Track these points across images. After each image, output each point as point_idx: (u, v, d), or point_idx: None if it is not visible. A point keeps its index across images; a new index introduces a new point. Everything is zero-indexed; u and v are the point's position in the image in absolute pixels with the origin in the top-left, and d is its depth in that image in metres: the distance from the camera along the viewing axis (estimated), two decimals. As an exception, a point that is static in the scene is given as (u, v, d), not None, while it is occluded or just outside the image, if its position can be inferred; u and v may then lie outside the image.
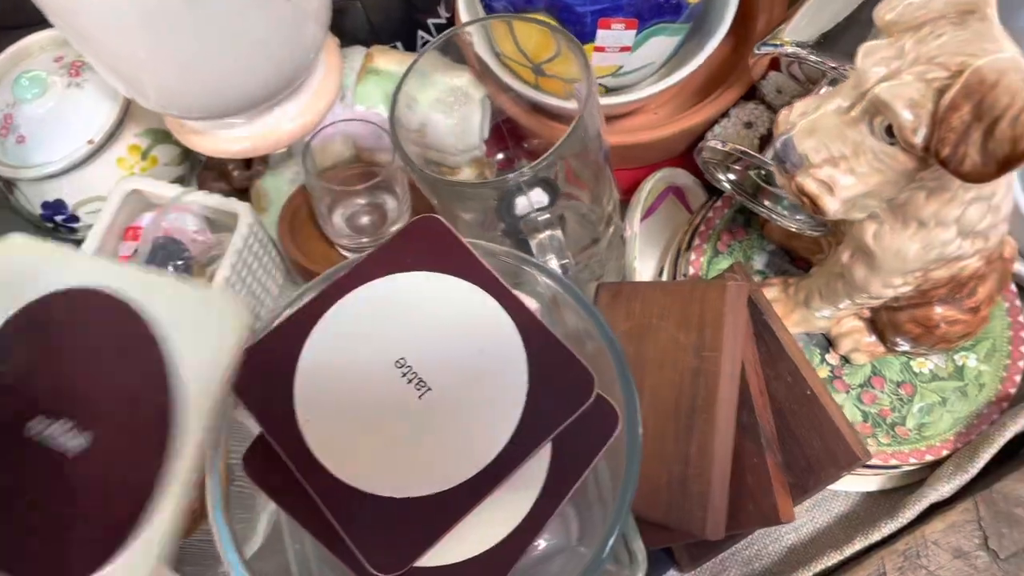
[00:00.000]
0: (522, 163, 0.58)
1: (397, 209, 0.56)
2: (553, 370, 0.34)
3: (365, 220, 0.56)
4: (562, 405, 0.34)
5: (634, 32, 0.51)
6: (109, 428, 0.32)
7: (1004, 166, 0.33)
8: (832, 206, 0.38)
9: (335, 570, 0.41)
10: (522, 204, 0.48)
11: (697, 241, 0.56)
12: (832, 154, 0.38)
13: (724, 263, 0.56)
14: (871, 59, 0.36)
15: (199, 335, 0.34)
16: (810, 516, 0.52)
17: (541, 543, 0.48)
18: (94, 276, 0.34)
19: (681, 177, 0.58)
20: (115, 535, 0.31)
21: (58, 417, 0.32)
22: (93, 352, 0.34)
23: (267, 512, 0.48)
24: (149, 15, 0.38)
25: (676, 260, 0.57)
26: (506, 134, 0.56)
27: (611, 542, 0.37)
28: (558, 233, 0.44)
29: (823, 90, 0.49)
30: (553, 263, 0.44)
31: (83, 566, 0.31)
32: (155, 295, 0.34)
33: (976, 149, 0.33)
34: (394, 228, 0.56)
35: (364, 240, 0.55)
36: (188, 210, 0.51)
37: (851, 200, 0.38)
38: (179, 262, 0.48)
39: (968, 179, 0.34)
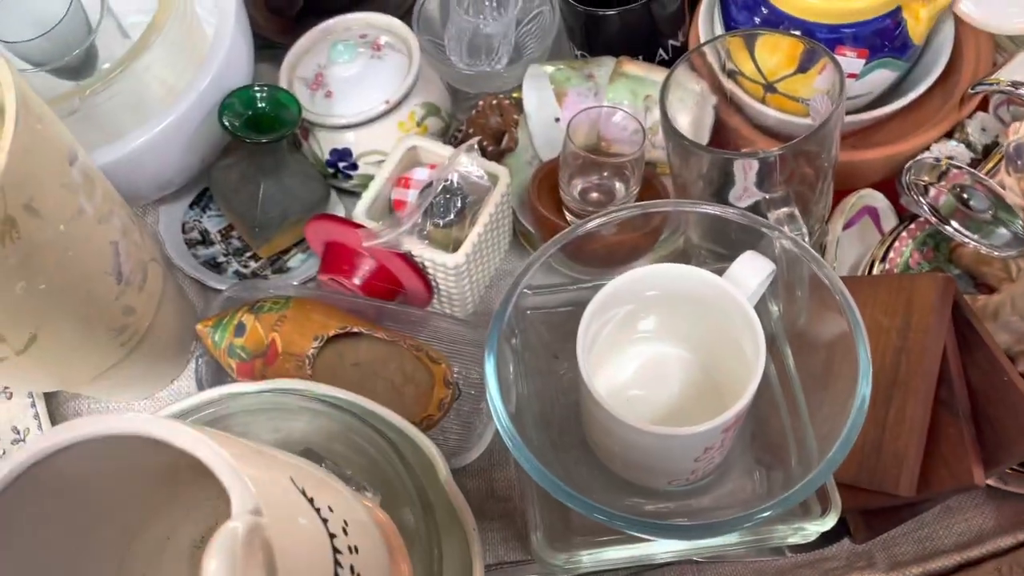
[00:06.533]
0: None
1: (624, 196, 0.64)
2: None
3: (594, 196, 0.65)
4: None
5: (863, 61, 0.59)
6: None
7: None
8: (1061, 199, 0.44)
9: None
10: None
11: (892, 255, 0.62)
12: (1064, 156, 0.44)
13: (914, 277, 0.62)
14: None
15: None
16: (980, 511, 0.56)
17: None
18: None
19: (878, 200, 0.65)
20: None
21: None
22: None
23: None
24: None
25: (870, 271, 0.63)
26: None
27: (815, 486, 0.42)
28: (795, 211, 0.52)
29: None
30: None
31: None
32: None
33: None
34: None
35: (589, 208, 0.63)
36: (456, 169, 0.60)
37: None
38: (459, 204, 0.58)
39: None
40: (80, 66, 0.61)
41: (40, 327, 0.45)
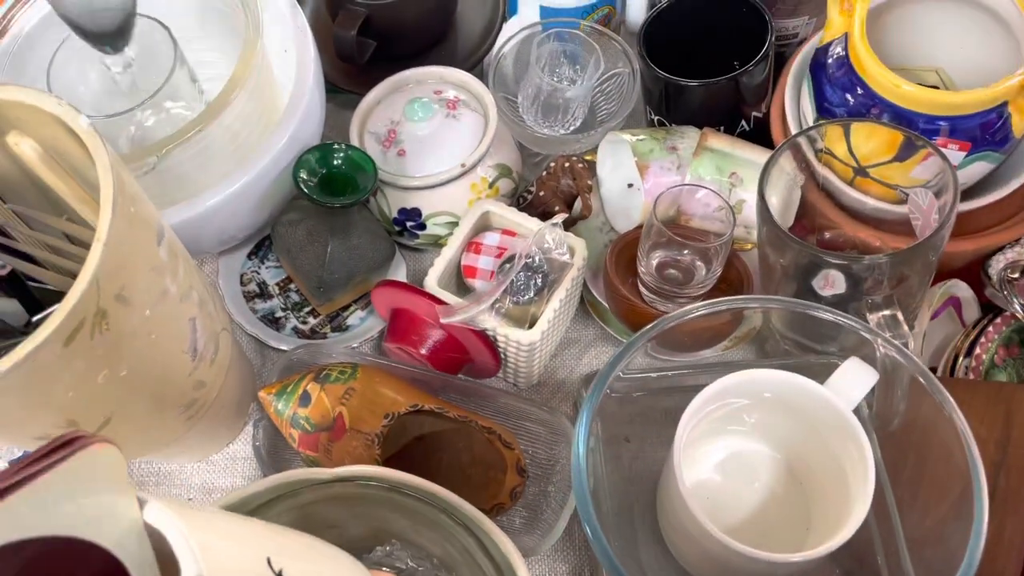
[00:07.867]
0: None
1: (704, 278, 0.62)
2: None
3: (671, 272, 0.63)
4: None
5: (964, 154, 0.57)
6: None
7: None
8: None
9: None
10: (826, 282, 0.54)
11: (977, 350, 0.60)
12: None
13: (1000, 376, 0.60)
14: None
15: None
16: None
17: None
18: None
19: (962, 289, 0.63)
20: None
21: None
22: None
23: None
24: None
25: (953, 365, 0.61)
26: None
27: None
28: (899, 314, 0.50)
29: None
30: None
31: None
32: None
33: None
34: (693, 292, 0.62)
35: (664, 286, 0.61)
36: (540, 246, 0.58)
37: None
38: (539, 282, 0.56)
39: None
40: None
41: (115, 411, 0.43)
